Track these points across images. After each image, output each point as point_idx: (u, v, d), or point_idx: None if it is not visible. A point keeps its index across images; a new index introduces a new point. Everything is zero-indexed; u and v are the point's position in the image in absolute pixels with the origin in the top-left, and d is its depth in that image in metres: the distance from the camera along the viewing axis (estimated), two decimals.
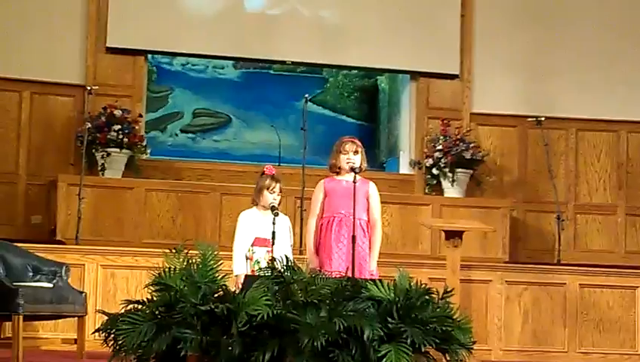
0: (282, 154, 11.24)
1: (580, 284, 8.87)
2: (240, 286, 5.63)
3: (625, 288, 8.92)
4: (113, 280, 8.23)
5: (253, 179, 6.99)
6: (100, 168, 10.11)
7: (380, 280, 4.98)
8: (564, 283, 8.86)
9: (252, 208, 6.57)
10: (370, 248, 6.30)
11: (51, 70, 10.38)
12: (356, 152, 6.36)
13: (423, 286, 5.00)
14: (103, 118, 10.13)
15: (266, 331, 4.67)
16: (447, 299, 5.03)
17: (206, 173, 10.88)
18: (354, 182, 6.14)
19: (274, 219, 6.21)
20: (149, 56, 11.45)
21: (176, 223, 9.84)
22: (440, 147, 10.77)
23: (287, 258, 5.01)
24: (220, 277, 4.97)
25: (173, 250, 5.05)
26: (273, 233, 6.16)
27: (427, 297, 4.94)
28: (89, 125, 9.84)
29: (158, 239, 9.54)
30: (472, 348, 5.01)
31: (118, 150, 10.12)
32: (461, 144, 10.70)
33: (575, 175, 11.23)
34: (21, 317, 6.66)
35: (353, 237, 6.04)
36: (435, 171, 10.81)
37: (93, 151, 10.07)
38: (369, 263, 6.27)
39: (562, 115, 11.10)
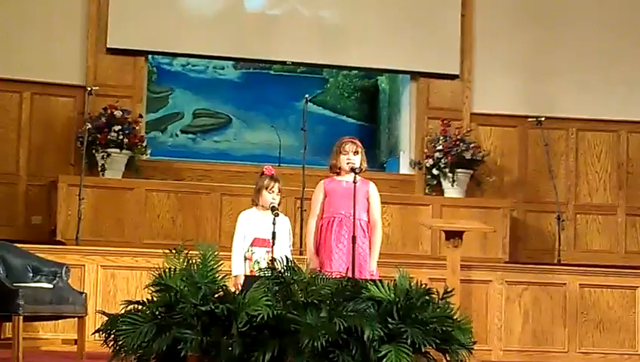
0: (282, 154, 11.24)
1: (580, 284, 8.87)
2: (239, 286, 5.63)
3: (625, 288, 8.92)
4: (113, 281, 8.23)
5: (253, 179, 6.99)
6: (100, 169, 10.11)
7: (380, 281, 4.98)
8: (565, 284, 8.86)
9: (252, 208, 6.57)
10: (370, 248, 6.30)
11: (52, 71, 10.38)
12: (356, 153, 6.36)
13: (423, 286, 5.00)
14: (104, 119, 10.14)
15: (266, 331, 4.67)
16: (448, 300, 5.03)
17: (206, 173, 10.88)
18: (354, 182, 6.14)
19: (274, 219, 6.21)
20: (150, 56, 11.46)
21: (177, 224, 9.84)
22: (440, 147, 10.77)
23: (287, 258, 5.01)
24: (220, 277, 4.97)
25: (174, 251, 5.05)
26: (273, 233, 6.15)
27: (427, 297, 4.94)
28: (89, 126, 9.84)
29: (158, 239, 9.54)
30: (472, 349, 5.01)
31: (118, 150, 10.12)
32: (461, 144, 10.70)
33: (575, 175, 11.24)
34: (21, 317, 6.66)
35: (353, 237, 6.04)
36: (435, 171, 10.81)
37: (94, 151, 10.07)
38: (369, 263, 6.27)
39: (562, 115, 11.10)
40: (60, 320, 7.77)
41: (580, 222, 11.15)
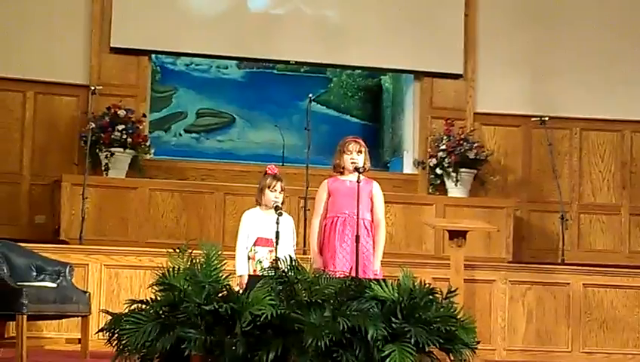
0: (286, 154, 11.24)
1: (583, 284, 8.86)
2: (243, 286, 5.63)
3: (629, 288, 8.91)
4: (117, 280, 8.24)
5: (256, 178, 6.98)
6: (103, 168, 10.12)
7: (384, 280, 4.98)
8: (568, 283, 8.85)
9: (255, 208, 6.57)
10: (373, 248, 6.30)
11: (55, 70, 10.38)
12: (360, 152, 6.36)
13: (427, 285, 5.00)
14: (107, 118, 10.14)
15: (270, 331, 4.67)
16: (451, 299, 5.03)
17: (210, 172, 10.88)
18: (357, 181, 6.14)
19: (278, 218, 6.20)
20: (153, 56, 11.45)
21: (180, 223, 9.84)
22: (444, 147, 10.77)
23: (291, 258, 5.01)
24: (223, 276, 4.97)
25: (177, 250, 5.05)
26: (277, 233, 6.15)
27: (431, 297, 4.94)
28: (93, 125, 9.84)
29: (162, 239, 9.54)
30: (475, 348, 5.01)
31: (121, 150, 10.12)
32: (465, 144, 10.70)
33: (579, 175, 11.23)
34: (25, 316, 6.66)
35: (357, 237, 6.04)
36: (438, 171, 10.81)
37: (97, 151, 10.07)
38: (373, 263, 6.27)
39: (566, 114, 11.09)
40: (63, 320, 7.78)
41: (583, 221, 11.14)
